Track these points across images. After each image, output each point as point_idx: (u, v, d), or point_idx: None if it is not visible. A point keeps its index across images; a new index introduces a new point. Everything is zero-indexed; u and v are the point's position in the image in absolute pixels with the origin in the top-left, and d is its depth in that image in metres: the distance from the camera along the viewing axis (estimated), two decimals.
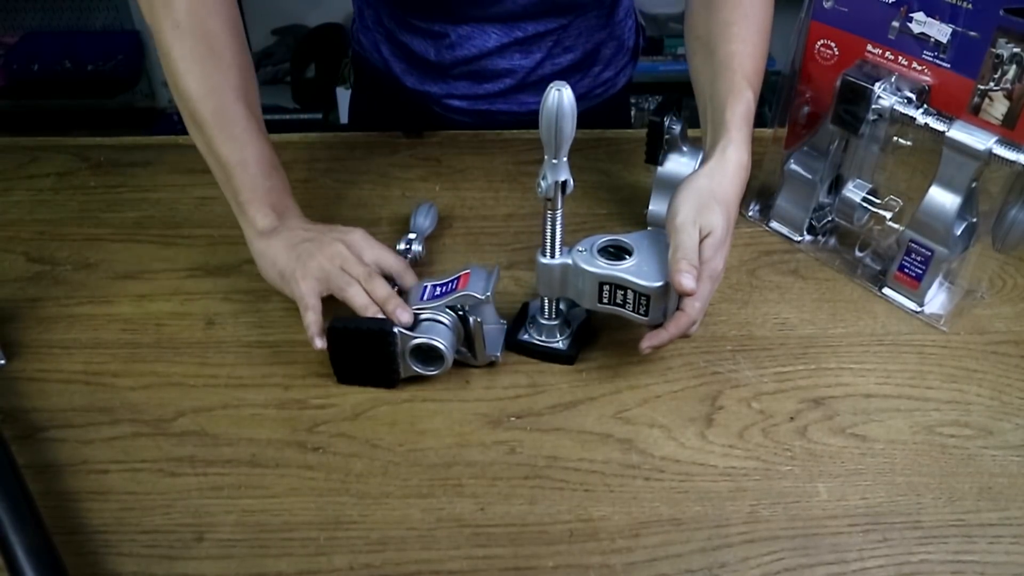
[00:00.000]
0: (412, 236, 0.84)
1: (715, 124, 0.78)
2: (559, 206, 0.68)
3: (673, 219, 0.71)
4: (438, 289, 0.72)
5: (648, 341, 0.70)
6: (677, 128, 0.85)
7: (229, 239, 0.90)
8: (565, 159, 0.65)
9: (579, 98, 0.62)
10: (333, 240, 0.75)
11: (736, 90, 0.78)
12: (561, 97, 0.61)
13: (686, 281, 0.67)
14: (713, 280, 0.70)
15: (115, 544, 0.61)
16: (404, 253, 0.82)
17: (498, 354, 0.74)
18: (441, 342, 0.70)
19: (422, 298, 0.73)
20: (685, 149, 0.86)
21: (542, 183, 0.66)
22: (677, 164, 0.86)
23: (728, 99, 0.78)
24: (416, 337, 0.70)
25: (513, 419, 0.71)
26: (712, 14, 0.83)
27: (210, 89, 0.76)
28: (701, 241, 0.70)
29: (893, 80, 0.78)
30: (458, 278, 0.72)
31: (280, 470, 0.67)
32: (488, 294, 0.71)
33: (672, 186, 0.74)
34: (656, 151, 0.86)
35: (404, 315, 0.71)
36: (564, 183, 0.67)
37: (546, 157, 0.65)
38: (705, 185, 0.73)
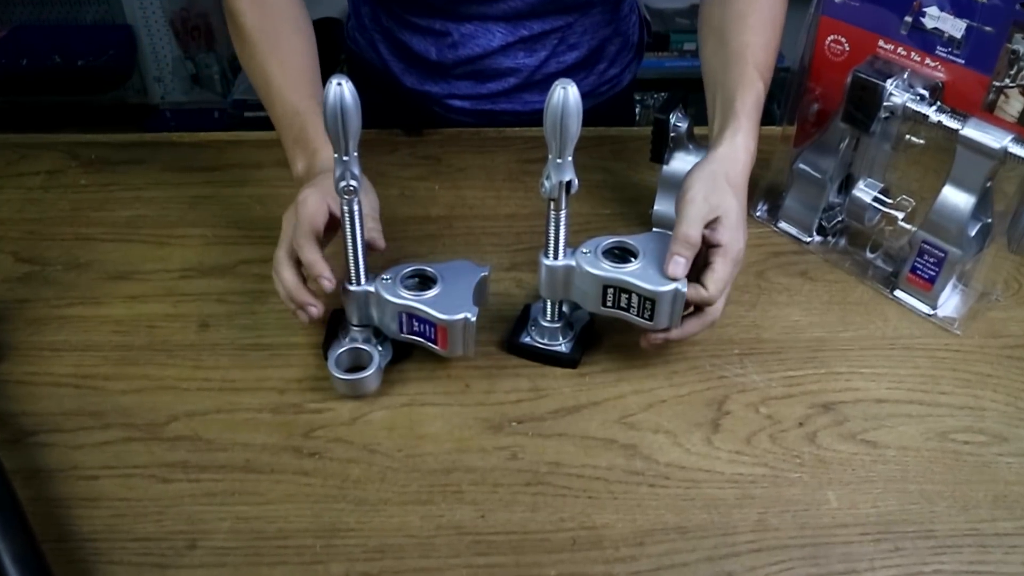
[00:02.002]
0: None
1: (724, 112, 0.79)
2: (563, 206, 0.68)
3: (683, 196, 0.72)
4: (416, 324, 0.71)
5: (656, 337, 0.71)
6: (683, 126, 0.85)
7: (223, 239, 0.90)
8: (570, 158, 0.65)
9: (584, 96, 0.62)
10: (290, 216, 0.73)
11: (747, 80, 0.78)
12: (567, 95, 0.61)
13: (673, 268, 0.68)
14: (736, 263, 0.71)
15: (105, 552, 0.61)
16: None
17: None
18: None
19: (400, 328, 0.72)
20: (691, 147, 0.86)
21: (546, 183, 0.66)
22: (683, 163, 0.86)
23: (739, 88, 0.78)
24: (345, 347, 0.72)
25: (514, 424, 0.71)
26: (727, 5, 0.84)
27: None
28: (715, 222, 0.70)
29: (905, 77, 0.78)
30: (435, 330, 0.70)
31: (275, 476, 0.67)
32: (469, 350, 0.71)
33: (678, 186, 0.75)
34: (661, 149, 0.86)
35: (314, 311, 0.71)
36: (569, 183, 0.67)
37: (550, 156, 0.65)
38: (717, 169, 0.74)
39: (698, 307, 0.71)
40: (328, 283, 0.69)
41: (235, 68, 2.71)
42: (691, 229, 0.69)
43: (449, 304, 0.69)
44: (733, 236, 0.71)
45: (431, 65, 1.02)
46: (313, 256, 0.70)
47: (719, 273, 0.70)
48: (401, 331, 0.72)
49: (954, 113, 0.75)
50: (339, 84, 0.61)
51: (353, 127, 0.62)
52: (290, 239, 0.72)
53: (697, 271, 0.71)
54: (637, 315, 0.71)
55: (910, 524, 0.64)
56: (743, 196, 0.74)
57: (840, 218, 0.90)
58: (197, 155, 1.04)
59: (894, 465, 0.68)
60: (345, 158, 0.64)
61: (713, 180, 0.72)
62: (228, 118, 2.49)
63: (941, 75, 0.77)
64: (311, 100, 0.82)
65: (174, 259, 0.88)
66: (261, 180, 1.00)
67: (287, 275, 0.72)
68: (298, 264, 0.72)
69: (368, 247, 0.71)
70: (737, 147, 0.75)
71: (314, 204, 0.71)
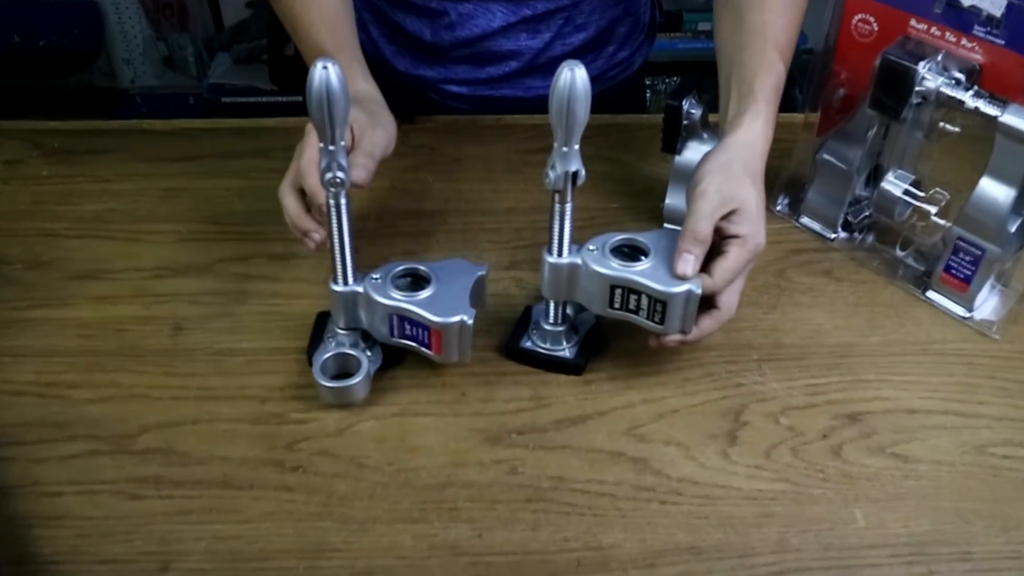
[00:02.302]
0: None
1: (741, 94, 0.78)
2: (569, 199, 0.68)
3: (694, 187, 0.72)
4: (407, 327, 0.72)
5: (670, 339, 0.71)
6: (697, 113, 0.85)
7: (199, 235, 0.90)
8: (576, 147, 0.65)
9: (591, 81, 0.62)
10: (300, 145, 0.77)
11: (767, 61, 0.78)
12: (574, 77, 0.61)
13: (682, 265, 0.69)
14: (752, 255, 0.71)
15: (69, 575, 0.61)
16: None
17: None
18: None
19: (391, 331, 0.72)
20: (706, 136, 0.86)
21: (550, 173, 0.66)
22: (697, 153, 0.86)
23: (758, 69, 0.78)
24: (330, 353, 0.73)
25: (514, 435, 0.71)
26: None
27: None
28: (732, 214, 0.70)
29: (939, 59, 0.78)
30: (429, 334, 0.71)
31: (255, 492, 0.67)
32: (465, 355, 0.71)
33: (691, 177, 0.75)
34: (674, 138, 0.86)
35: (317, 236, 0.74)
36: (575, 174, 0.67)
37: (555, 144, 0.65)
38: (733, 158, 0.74)
39: (707, 300, 0.71)
40: None
41: (211, 50, 2.70)
42: (701, 224, 0.69)
43: (443, 306, 0.69)
44: (753, 228, 0.71)
45: (426, 47, 1.02)
46: (316, 184, 0.72)
47: (729, 262, 0.70)
48: (392, 335, 0.72)
49: (992, 98, 0.75)
50: (324, 67, 0.61)
51: (340, 114, 0.63)
52: (295, 169, 0.75)
53: (709, 261, 0.71)
54: (647, 318, 0.71)
55: (944, 546, 0.64)
56: (762, 186, 0.74)
57: (867, 213, 0.90)
58: (170, 144, 1.04)
59: (927, 481, 0.68)
60: (331, 148, 0.64)
61: (728, 170, 0.72)
62: (204, 104, 2.49)
63: (978, 57, 0.77)
64: (334, 36, 0.86)
65: (145, 257, 0.88)
66: (240, 171, 1.00)
67: (289, 203, 0.75)
68: (302, 193, 0.75)
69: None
70: (755, 133, 0.75)
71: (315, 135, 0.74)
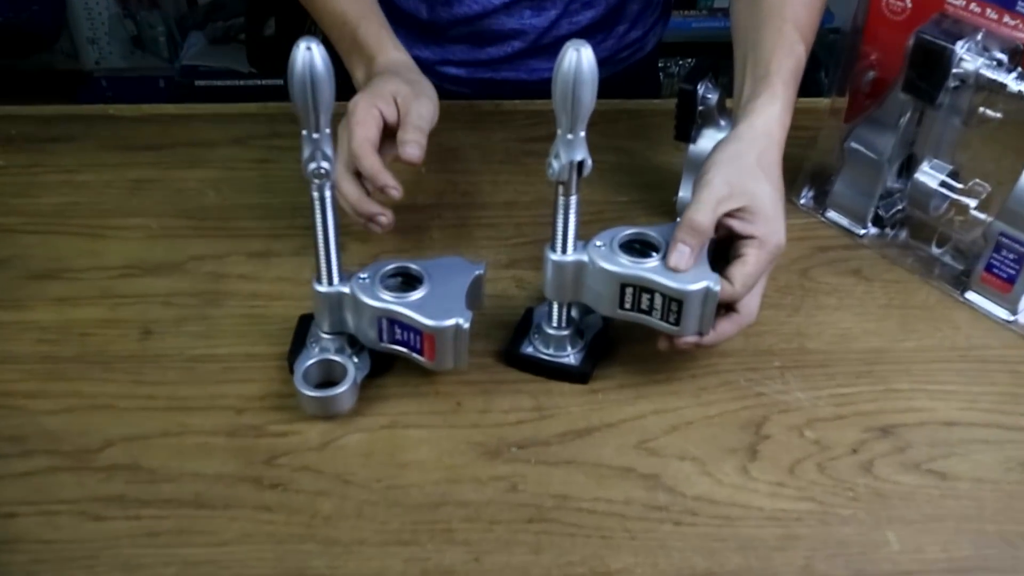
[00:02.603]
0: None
1: (756, 77, 0.78)
2: (574, 191, 0.68)
3: (700, 176, 0.72)
4: (398, 331, 0.71)
5: (685, 341, 0.71)
6: (713, 98, 0.85)
7: (170, 231, 0.90)
8: (582, 134, 0.65)
9: (601, 63, 0.62)
10: (343, 126, 0.80)
11: (785, 41, 0.78)
12: (580, 58, 0.61)
13: (676, 257, 0.69)
14: (772, 257, 0.71)
15: None
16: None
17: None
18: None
19: (380, 336, 0.72)
20: (722, 123, 0.86)
21: (554, 163, 0.66)
22: (713, 142, 0.85)
23: (775, 50, 0.78)
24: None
25: (514, 449, 0.71)
26: None
27: None
28: (743, 212, 0.70)
29: (979, 38, 0.78)
30: (421, 339, 0.70)
31: (231, 512, 0.66)
32: (461, 362, 0.71)
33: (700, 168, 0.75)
34: (688, 126, 0.86)
35: (384, 220, 0.79)
36: (580, 163, 0.66)
37: (559, 132, 0.65)
38: (744, 149, 0.73)
39: (726, 306, 0.71)
40: (395, 192, 0.77)
41: (183, 29, 2.71)
42: (699, 214, 0.69)
43: (437, 308, 0.69)
44: (769, 227, 0.71)
45: (422, 26, 1.02)
46: (373, 164, 0.76)
47: (749, 266, 0.70)
48: (380, 340, 0.72)
49: None
50: (308, 48, 0.61)
51: (325, 99, 0.62)
52: (347, 150, 0.78)
53: (727, 265, 0.71)
54: (661, 319, 0.71)
55: (988, 572, 0.64)
56: (778, 179, 0.74)
57: (900, 206, 0.90)
58: (139, 131, 1.04)
59: (967, 501, 0.68)
60: (315, 136, 0.64)
61: (738, 161, 0.72)
62: (176, 87, 2.49)
63: (1022, 36, 0.77)
64: (358, 3, 0.90)
65: (111, 255, 0.88)
66: (215, 161, 1.00)
67: (348, 188, 0.78)
68: (358, 175, 0.78)
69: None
70: (771, 120, 0.75)
71: (363, 110, 0.78)
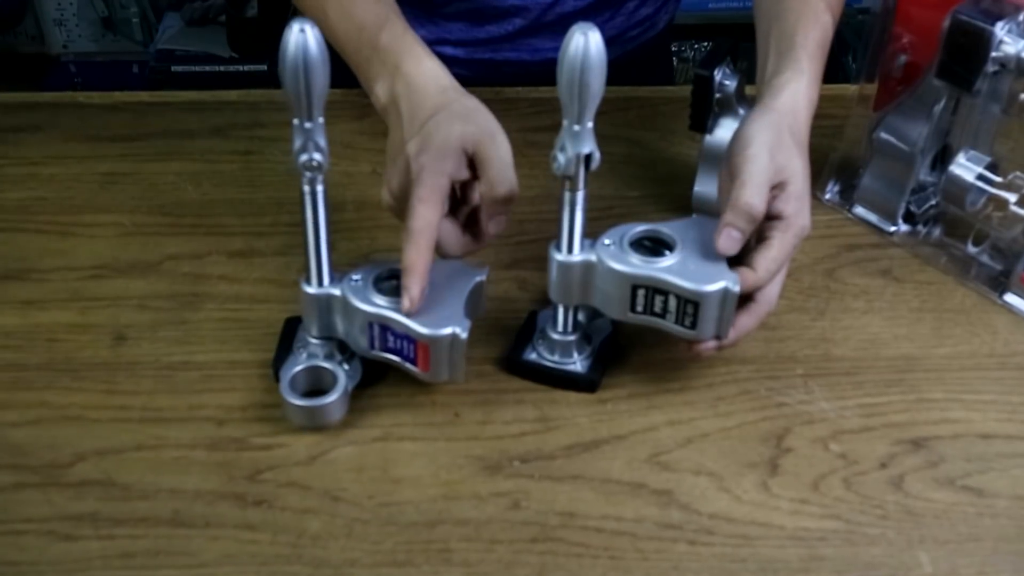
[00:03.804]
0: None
1: (780, 50, 0.79)
2: (581, 186, 0.68)
3: (742, 151, 0.72)
4: (390, 339, 0.72)
5: (705, 347, 0.71)
6: (732, 84, 0.86)
7: (145, 228, 0.91)
8: (590, 125, 0.65)
9: (608, 42, 0.62)
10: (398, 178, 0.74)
11: (811, 12, 0.79)
12: (587, 43, 0.61)
13: (725, 241, 0.69)
14: (797, 241, 0.71)
15: None
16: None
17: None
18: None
19: (371, 343, 0.72)
20: (741, 112, 0.87)
21: (560, 157, 0.67)
22: (731, 132, 0.86)
23: (800, 22, 0.78)
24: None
25: (517, 464, 0.71)
26: None
27: None
28: (777, 188, 0.71)
29: (1021, 19, 0.78)
30: (415, 348, 0.70)
31: (211, 531, 0.67)
32: (457, 373, 0.71)
33: (732, 142, 0.75)
34: (704, 115, 0.86)
35: (406, 300, 0.69)
36: (588, 157, 0.67)
37: (565, 122, 0.66)
38: (780, 121, 0.74)
39: (743, 296, 0.71)
40: (407, 302, 0.69)
41: (158, 9, 2.71)
42: (756, 197, 0.69)
43: (433, 315, 0.70)
44: (798, 207, 0.71)
45: (416, 3, 1.02)
46: (415, 262, 0.69)
47: (775, 251, 0.70)
48: (372, 347, 0.72)
49: None
50: (302, 31, 0.61)
51: (319, 86, 0.63)
52: (404, 207, 0.71)
53: (743, 251, 0.71)
54: (675, 322, 0.71)
55: None
56: (807, 160, 0.75)
57: (933, 202, 0.90)
58: (110, 120, 1.04)
59: (1006, 520, 0.68)
60: (307, 125, 0.65)
61: (779, 133, 0.73)
62: (150, 73, 2.48)
63: None
64: (378, 6, 0.82)
65: (81, 254, 0.88)
66: (193, 153, 1.00)
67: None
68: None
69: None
70: (798, 96, 0.76)
71: (431, 181, 0.70)
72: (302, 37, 0.61)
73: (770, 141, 0.72)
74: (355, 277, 0.72)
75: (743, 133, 0.73)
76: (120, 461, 0.71)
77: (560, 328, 0.76)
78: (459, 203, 0.75)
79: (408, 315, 0.69)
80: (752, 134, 0.72)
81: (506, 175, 0.73)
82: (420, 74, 0.77)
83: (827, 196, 0.95)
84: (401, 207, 0.73)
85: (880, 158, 0.90)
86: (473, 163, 0.73)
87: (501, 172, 0.73)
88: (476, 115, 0.75)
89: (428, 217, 0.70)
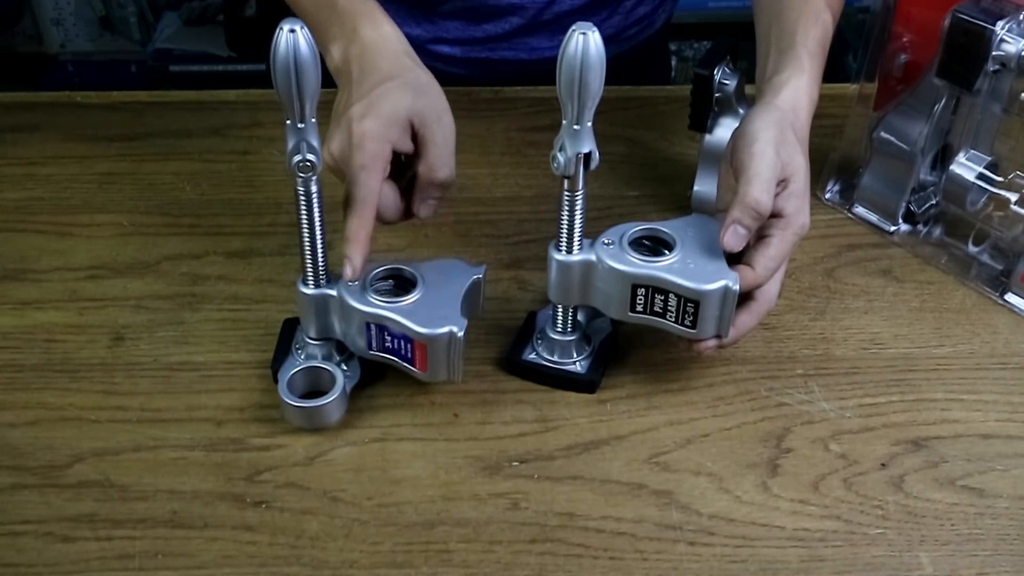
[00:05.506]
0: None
1: (781, 48, 0.79)
2: (580, 186, 0.68)
3: (747, 147, 0.72)
4: (388, 339, 0.71)
5: (706, 345, 0.71)
6: (731, 84, 0.86)
7: (143, 229, 0.91)
8: (589, 124, 0.65)
9: (606, 41, 0.62)
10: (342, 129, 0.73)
11: (811, 9, 0.79)
12: (587, 43, 0.61)
13: (731, 238, 0.69)
14: (797, 239, 0.71)
15: None
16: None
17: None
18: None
19: (369, 343, 0.72)
20: (741, 112, 0.87)
21: (559, 156, 0.67)
22: (731, 132, 0.86)
23: (801, 20, 0.79)
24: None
25: (516, 464, 0.71)
26: None
27: None
28: (780, 186, 0.71)
29: (1021, 18, 0.78)
30: (412, 348, 0.71)
31: (210, 532, 0.67)
32: (456, 373, 0.71)
33: (734, 139, 0.74)
34: (704, 114, 0.87)
35: (348, 269, 0.70)
36: (587, 156, 0.67)
37: (564, 122, 0.66)
38: (782, 118, 0.74)
39: (744, 294, 0.71)
40: (349, 271, 0.70)
41: (156, 9, 2.71)
42: (763, 193, 0.69)
43: (430, 314, 0.70)
44: (799, 205, 0.71)
45: (412, 2, 1.02)
46: (357, 230, 0.70)
47: (774, 249, 0.70)
48: (370, 347, 0.72)
49: None
50: (292, 31, 0.61)
51: (310, 85, 0.63)
52: (346, 179, 0.72)
53: (742, 249, 0.71)
54: (676, 322, 0.71)
55: None
56: (807, 158, 0.75)
57: (934, 201, 0.90)
58: (108, 120, 1.04)
59: (1007, 520, 0.68)
60: (300, 125, 0.65)
61: (782, 130, 0.73)
62: (148, 73, 2.49)
63: None
64: None
65: (78, 254, 0.88)
66: (191, 153, 1.00)
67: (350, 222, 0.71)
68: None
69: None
70: (798, 94, 0.76)
71: (373, 148, 0.71)
72: (292, 38, 0.61)
73: (775, 138, 0.72)
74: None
75: (747, 129, 0.73)
76: (118, 462, 0.71)
77: (559, 328, 0.76)
78: (404, 169, 0.75)
79: (352, 282, 0.70)
80: (757, 130, 0.72)
81: (446, 160, 0.74)
82: (376, 38, 0.77)
83: (827, 196, 0.95)
84: (340, 168, 0.73)
85: (880, 157, 0.90)
86: (416, 138, 0.73)
87: (442, 156, 0.74)
88: (428, 91, 0.76)
89: (371, 185, 0.71)
